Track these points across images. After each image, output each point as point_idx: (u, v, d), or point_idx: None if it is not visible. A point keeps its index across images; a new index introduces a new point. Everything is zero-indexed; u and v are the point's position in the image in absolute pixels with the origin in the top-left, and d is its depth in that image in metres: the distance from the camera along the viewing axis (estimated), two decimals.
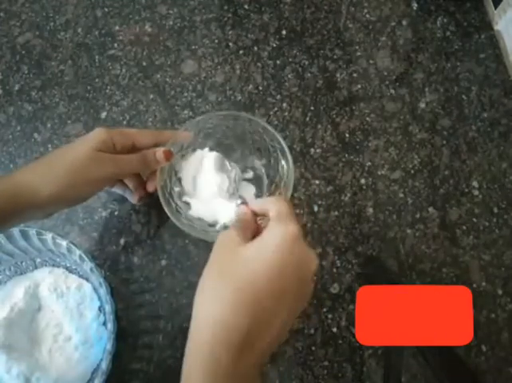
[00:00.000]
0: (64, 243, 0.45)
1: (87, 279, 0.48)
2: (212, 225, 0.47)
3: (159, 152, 0.44)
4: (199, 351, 0.28)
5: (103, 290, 0.44)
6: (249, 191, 0.50)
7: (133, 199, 0.48)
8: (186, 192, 0.47)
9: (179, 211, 0.45)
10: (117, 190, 0.48)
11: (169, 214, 0.43)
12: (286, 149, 0.45)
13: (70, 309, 0.46)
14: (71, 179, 0.39)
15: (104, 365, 0.41)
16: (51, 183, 0.38)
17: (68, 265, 0.49)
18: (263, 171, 0.50)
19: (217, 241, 0.32)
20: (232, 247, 0.31)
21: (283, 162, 0.46)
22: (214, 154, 0.48)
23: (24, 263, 0.49)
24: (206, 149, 0.48)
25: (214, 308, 0.29)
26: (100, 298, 0.47)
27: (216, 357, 0.27)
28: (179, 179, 0.48)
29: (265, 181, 0.49)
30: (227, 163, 0.48)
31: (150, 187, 0.46)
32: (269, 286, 0.29)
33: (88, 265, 0.44)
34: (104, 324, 0.47)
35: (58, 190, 0.38)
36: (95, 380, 0.42)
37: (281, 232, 0.31)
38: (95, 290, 0.48)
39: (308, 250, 0.32)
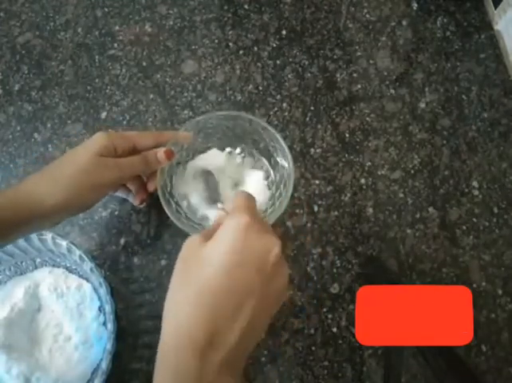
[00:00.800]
0: (64, 243, 0.45)
1: (87, 279, 0.48)
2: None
3: (160, 153, 0.44)
4: (166, 358, 0.28)
5: (103, 290, 0.44)
6: (254, 179, 0.49)
7: (136, 201, 0.48)
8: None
9: (178, 211, 0.45)
10: (120, 194, 0.49)
11: (169, 214, 0.43)
12: (286, 149, 0.45)
13: (70, 309, 0.46)
14: (76, 187, 0.39)
15: (104, 365, 0.41)
16: (56, 193, 0.38)
17: (68, 265, 0.49)
18: (264, 171, 0.50)
19: (182, 247, 0.32)
20: (194, 250, 0.30)
21: (283, 162, 0.46)
22: (195, 165, 0.48)
23: (24, 263, 0.49)
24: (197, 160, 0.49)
25: (178, 314, 0.28)
26: (100, 298, 0.47)
27: (182, 363, 0.26)
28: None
29: (266, 181, 0.49)
30: (213, 172, 0.49)
31: (150, 187, 0.46)
32: (225, 283, 0.28)
33: (88, 265, 0.44)
34: (104, 324, 0.47)
35: (63, 199, 0.38)
36: (95, 380, 0.42)
37: (231, 226, 0.30)
38: (95, 290, 0.48)
39: (264, 236, 0.30)
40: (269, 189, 0.49)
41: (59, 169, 0.40)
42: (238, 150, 0.51)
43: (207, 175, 0.48)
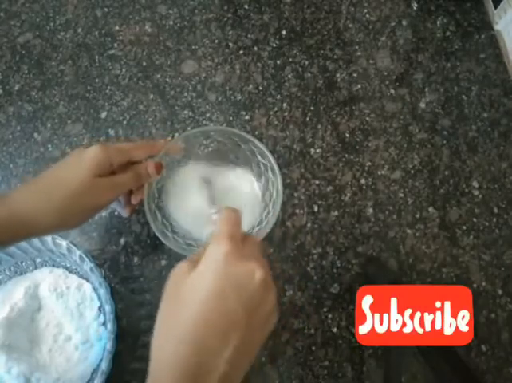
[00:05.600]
0: (64, 243, 0.45)
1: (87, 279, 0.48)
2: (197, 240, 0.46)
3: (150, 167, 0.43)
4: None
5: (103, 290, 0.44)
6: (246, 181, 0.49)
7: (125, 213, 0.47)
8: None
9: (165, 224, 0.45)
10: (110, 205, 0.48)
11: (154, 229, 0.42)
12: (276, 167, 0.44)
13: (70, 309, 0.46)
14: (69, 209, 0.38)
15: (104, 365, 0.41)
16: (49, 215, 0.38)
17: (68, 265, 0.49)
18: (255, 186, 0.49)
19: (170, 274, 0.31)
20: (180, 280, 0.30)
21: (272, 179, 0.45)
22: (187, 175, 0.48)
23: (24, 263, 0.49)
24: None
25: (163, 347, 0.28)
26: (100, 298, 0.47)
27: None
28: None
29: (258, 188, 0.49)
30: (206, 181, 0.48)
31: (134, 200, 0.45)
32: (208, 316, 0.28)
33: (88, 265, 0.45)
34: (104, 324, 0.47)
35: (57, 220, 0.38)
36: (95, 380, 0.42)
37: (212, 257, 0.30)
38: (95, 290, 0.48)
39: (246, 263, 0.30)
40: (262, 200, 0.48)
41: (52, 188, 0.38)
42: (230, 165, 0.49)
43: (201, 184, 0.47)
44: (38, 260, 0.49)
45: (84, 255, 0.44)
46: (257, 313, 0.29)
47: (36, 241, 0.46)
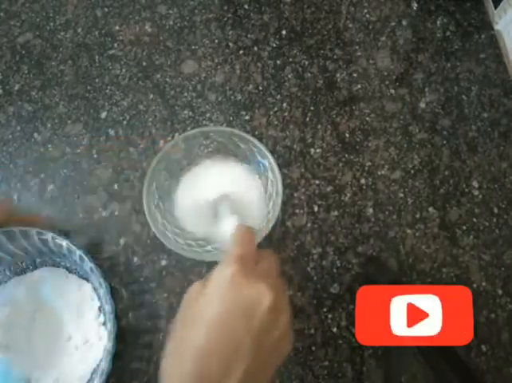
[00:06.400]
0: (64, 243, 0.45)
1: (87, 279, 0.48)
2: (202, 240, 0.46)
3: None
4: None
5: (103, 290, 0.44)
6: (251, 177, 0.48)
7: None
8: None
9: (164, 224, 0.44)
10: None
11: (154, 229, 0.42)
12: (276, 167, 0.44)
13: (70, 309, 0.46)
14: None
15: (104, 365, 0.41)
16: None
17: (68, 265, 0.49)
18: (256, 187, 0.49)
19: (185, 294, 0.31)
20: (191, 300, 0.30)
21: (272, 179, 0.45)
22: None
23: (24, 263, 0.49)
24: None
25: (170, 377, 0.28)
26: (100, 298, 0.47)
27: None
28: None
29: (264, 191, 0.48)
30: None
31: None
32: (212, 347, 0.27)
33: (88, 265, 0.44)
34: (104, 324, 0.47)
35: None
36: (95, 380, 0.42)
37: (218, 279, 0.29)
38: (95, 290, 0.48)
39: (253, 287, 0.28)
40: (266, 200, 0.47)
41: None
42: (232, 163, 0.49)
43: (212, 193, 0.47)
44: (38, 260, 0.49)
45: (84, 255, 0.44)
46: (267, 340, 0.28)
47: (36, 241, 0.46)
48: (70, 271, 0.49)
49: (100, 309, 0.47)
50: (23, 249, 0.47)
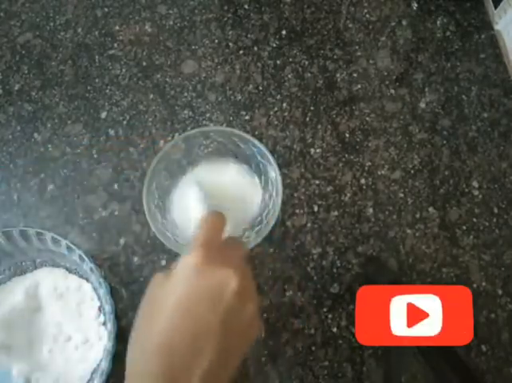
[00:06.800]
0: (64, 243, 0.45)
1: (87, 279, 0.48)
2: None
3: None
4: None
5: (103, 290, 0.44)
6: (246, 176, 0.48)
7: None
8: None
9: (164, 224, 0.44)
10: None
11: (154, 229, 0.42)
12: (276, 167, 0.43)
13: (70, 309, 0.47)
14: None
15: (104, 365, 0.41)
16: None
17: (68, 265, 0.49)
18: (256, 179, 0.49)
19: (149, 285, 0.31)
20: (155, 290, 0.30)
21: (272, 179, 0.45)
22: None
23: (24, 263, 0.49)
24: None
25: (136, 360, 0.28)
26: (99, 298, 0.47)
27: None
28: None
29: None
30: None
31: None
32: (180, 328, 0.27)
33: (88, 265, 0.45)
34: (104, 324, 0.47)
35: None
36: (95, 380, 0.42)
37: (182, 267, 0.29)
38: (95, 289, 0.48)
39: (218, 271, 0.28)
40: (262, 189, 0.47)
41: None
42: (232, 163, 0.49)
43: (197, 187, 0.47)
44: (38, 260, 0.49)
45: (84, 255, 0.44)
46: (234, 323, 0.28)
47: (35, 241, 0.46)
48: (70, 271, 0.49)
49: (100, 309, 0.47)
50: (23, 249, 0.47)
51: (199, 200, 0.45)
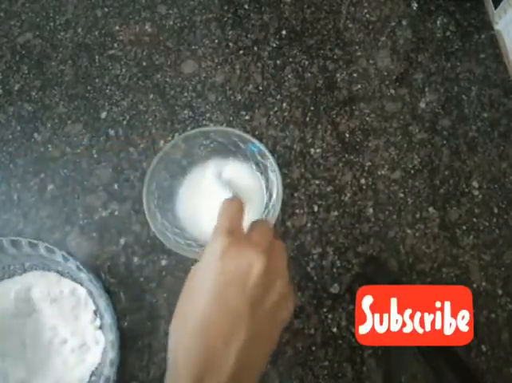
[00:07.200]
0: (59, 253, 0.44)
1: (81, 283, 0.47)
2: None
3: None
4: None
5: (98, 292, 0.44)
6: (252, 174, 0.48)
7: None
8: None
9: (164, 223, 0.44)
10: None
11: (154, 229, 0.42)
12: (276, 167, 0.43)
13: (64, 312, 0.46)
14: None
15: (106, 372, 0.41)
16: None
17: (60, 269, 0.48)
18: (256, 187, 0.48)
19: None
20: (190, 275, 0.31)
21: (272, 179, 0.45)
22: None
23: (12, 267, 0.48)
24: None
25: (176, 344, 0.29)
26: (95, 302, 0.47)
27: None
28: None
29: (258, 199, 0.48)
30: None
31: None
32: (214, 311, 0.28)
33: (86, 275, 0.44)
34: (101, 328, 0.46)
35: None
36: None
37: (209, 253, 0.30)
38: (89, 293, 0.47)
39: (244, 254, 0.29)
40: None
41: None
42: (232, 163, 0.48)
43: (212, 180, 0.47)
44: (27, 264, 0.48)
45: (81, 266, 0.43)
46: (264, 303, 0.29)
47: (27, 249, 0.45)
48: (62, 275, 0.48)
49: (95, 312, 0.47)
50: (11, 254, 0.46)
51: (221, 187, 0.45)
